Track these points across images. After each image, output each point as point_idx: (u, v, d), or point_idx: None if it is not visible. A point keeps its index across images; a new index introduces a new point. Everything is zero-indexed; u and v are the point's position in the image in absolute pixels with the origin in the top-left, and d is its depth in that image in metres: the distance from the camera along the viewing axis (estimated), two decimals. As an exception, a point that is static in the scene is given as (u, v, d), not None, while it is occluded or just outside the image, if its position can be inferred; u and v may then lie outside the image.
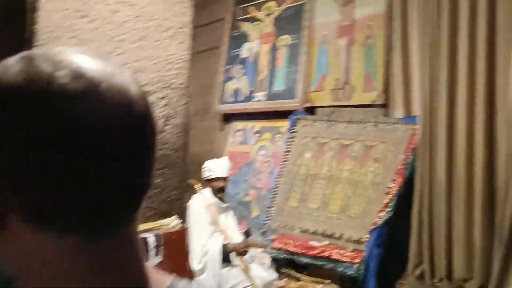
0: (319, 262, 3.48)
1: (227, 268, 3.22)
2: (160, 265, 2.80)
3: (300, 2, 4.52)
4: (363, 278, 3.24)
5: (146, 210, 2.92)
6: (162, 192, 3.07)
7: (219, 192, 3.41)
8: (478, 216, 3.15)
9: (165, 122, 2.92)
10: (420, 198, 3.39)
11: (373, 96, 3.91)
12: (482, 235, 3.13)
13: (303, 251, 3.58)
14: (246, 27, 4.96)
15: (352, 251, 3.39)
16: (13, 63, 0.45)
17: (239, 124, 4.89)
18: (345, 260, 3.36)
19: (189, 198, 3.46)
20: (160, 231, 2.94)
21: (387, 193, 3.43)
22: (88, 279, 0.46)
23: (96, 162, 0.43)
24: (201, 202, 3.35)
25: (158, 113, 2.92)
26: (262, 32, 4.82)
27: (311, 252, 3.53)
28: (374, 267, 3.24)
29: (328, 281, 3.47)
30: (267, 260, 3.75)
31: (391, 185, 3.45)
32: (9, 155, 0.43)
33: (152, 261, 2.77)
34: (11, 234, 0.45)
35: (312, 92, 4.32)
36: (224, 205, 3.48)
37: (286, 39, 4.60)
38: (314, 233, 3.68)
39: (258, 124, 4.73)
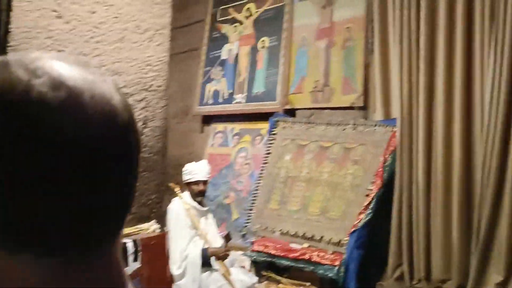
0: (300, 265, 3.48)
1: (207, 272, 3.19)
2: (138, 271, 2.76)
3: (280, 4, 4.52)
4: (343, 280, 3.25)
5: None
6: (140, 196, 3.02)
7: (199, 195, 3.37)
8: (456, 217, 3.19)
9: (143, 125, 2.87)
10: (399, 200, 3.42)
11: (352, 98, 3.93)
12: (460, 236, 3.17)
13: (283, 254, 3.57)
14: (225, 28, 4.94)
15: (332, 254, 3.39)
16: None
17: (218, 126, 4.87)
18: (325, 263, 3.36)
19: (169, 202, 3.42)
20: (138, 236, 2.89)
21: (367, 195, 3.45)
22: None
23: (78, 175, 0.41)
24: (180, 205, 3.31)
25: (137, 116, 2.87)
26: (241, 34, 4.81)
27: (291, 255, 3.53)
28: (354, 269, 3.25)
29: (308, 283, 3.47)
30: (247, 263, 3.73)
31: (370, 187, 3.47)
32: None
33: (131, 267, 2.72)
34: None
35: (292, 94, 4.32)
36: (204, 208, 3.44)
37: (265, 41, 4.59)
38: (294, 235, 3.68)
39: (238, 126, 4.71)
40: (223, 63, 4.90)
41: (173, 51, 3.33)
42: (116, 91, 0.45)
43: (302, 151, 3.98)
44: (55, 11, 2.81)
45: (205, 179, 3.40)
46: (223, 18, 4.98)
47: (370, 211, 3.36)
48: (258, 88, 4.57)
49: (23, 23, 2.69)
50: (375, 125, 3.70)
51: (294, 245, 3.59)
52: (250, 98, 4.61)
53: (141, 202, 3.06)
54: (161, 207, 3.13)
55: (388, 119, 3.66)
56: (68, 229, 0.41)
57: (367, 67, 3.87)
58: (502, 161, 2.98)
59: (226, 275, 3.18)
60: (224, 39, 4.93)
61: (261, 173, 4.11)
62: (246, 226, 3.97)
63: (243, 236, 4.02)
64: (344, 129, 3.84)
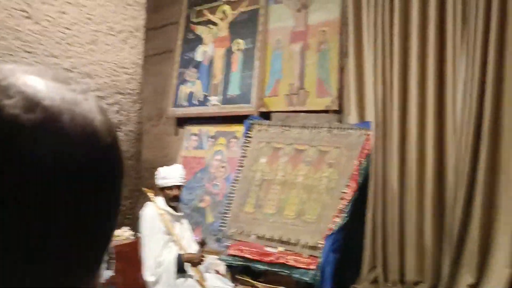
0: (275, 269, 3.47)
1: (182, 279, 3.14)
2: (112, 279, 2.69)
3: (255, 7, 4.50)
4: (319, 284, 3.25)
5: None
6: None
7: (173, 200, 3.31)
8: (429, 220, 3.23)
9: (117, 129, 2.81)
10: (374, 203, 3.44)
11: (327, 101, 3.95)
12: (433, 239, 3.22)
13: (258, 258, 3.55)
14: (200, 30, 4.90)
15: (307, 257, 3.39)
16: None
17: (193, 129, 4.82)
18: (301, 266, 3.36)
19: (142, 207, 3.35)
20: (111, 244, 2.82)
21: (342, 199, 3.46)
22: None
23: (55, 202, 0.37)
24: (154, 210, 3.25)
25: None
26: (216, 36, 4.77)
27: (267, 259, 3.51)
28: (330, 272, 3.26)
29: (284, 287, 3.46)
30: (222, 267, 3.70)
31: (345, 190, 3.49)
32: None
33: (104, 275, 2.65)
34: None
35: (267, 97, 4.31)
36: (179, 213, 3.39)
37: (240, 43, 4.57)
38: (270, 239, 3.67)
39: (213, 129, 4.67)
40: (197, 65, 4.86)
41: (147, 52, 3.27)
42: (99, 111, 0.42)
43: (277, 154, 3.97)
44: (24, 11, 2.72)
45: (179, 183, 3.34)
46: (197, 20, 4.93)
47: (346, 214, 3.37)
48: (233, 90, 4.54)
49: (-10, 24, 2.60)
50: (350, 129, 3.72)
51: (269, 249, 3.58)
52: (225, 101, 4.58)
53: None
54: (134, 212, 3.06)
55: (362, 123, 3.68)
56: (42, 262, 0.37)
57: (341, 70, 3.88)
58: (473, 164, 3.04)
59: (201, 282, 3.14)
60: (198, 41, 4.88)
61: (236, 176, 4.09)
62: (221, 230, 3.94)
63: (218, 240, 3.99)
64: (319, 132, 3.85)
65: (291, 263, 3.40)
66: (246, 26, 4.53)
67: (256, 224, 3.78)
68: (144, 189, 3.46)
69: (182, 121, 4.91)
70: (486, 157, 2.99)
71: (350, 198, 3.42)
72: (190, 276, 3.16)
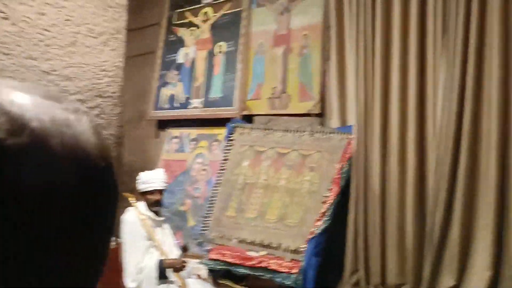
0: (257, 273, 3.46)
1: (164, 285, 3.10)
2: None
3: (237, 10, 4.49)
4: (301, 288, 3.25)
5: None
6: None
7: (155, 205, 3.27)
8: (410, 223, 3.26)
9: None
10: (356, 207, 3.46)
11: (309, 105, 3.95)
12: (414, 241, 3.25)
13: (240, 262, 3.53)
14: (182, 32, 4.86)
15: (289, 261, 3.39)
16: None
17: (174, 132, 4.77)
18: (282, 271, 3.35)
19: (123, 212, 3.30)
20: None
21: (324, 202, 3.46)
22: None
23: (43, 235, 0.34)
24: (135, 216, 3.20)
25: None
26: (198, 38, 4.74)
27: (248, 263, 3.50)
28: (312, 276, 3.26)
29: (266, 292, 3.45)
30: (204, 271, 3.67)
31: (327, 194, 3.49)
32: None
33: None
34: None
35: (249, 100, 4.30)
36: (160, 218, 3.34)
37: (222, 46, 4.55)
38: (251, 243, 3.65)
39: (194, 132, 4.64)
40: (179, 67, 4.82)
41: (128, 54, 3.23)
42: (92, 133, 0.38)
43: (260, 158, 3.96)
44: (1, 11, 2.66)
45: (161, 188, 3.30)
46: (179, 22, 4.89)
47: (328, 218, 3.37)
48: (215, 93, 4.52)
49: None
50: (332, 132, 3.73)
51: (251, 253, 3.56)
52: (207, 103, 4.55)
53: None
54: (116, 218, 3.01)
55: (344, 126, 3.70)
56: None
57: (324, 74, 3.90)
58: (453, 168, 3.07)
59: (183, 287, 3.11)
60: (180, 43, 4.85)
61: (218, 180, 4.06)
62: (202, 233, 3.90)
63: (200, 244, 3.95)
64: (301, 136, 3.85)
65: (273, 267, 3.40)
66: (228, 28, 4.51)
67: (238, 228, 3.77)
68: (125, 194, 3.41)
69: (163, 124, 4.86)
70: (465, 161, 3.03)
71: (332, 201, 3.43)
72: (172, 282, 3.12)
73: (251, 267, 3.47)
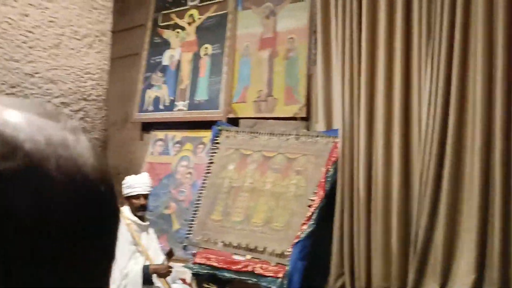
0: (243, 277, 3.44)
1: (149, 290, 3.07)
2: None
3: (223, 12, 4.47)
4: (287, 292, 3.24)
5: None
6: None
7: (140, 210, 3.24)
8: (395, 227, 3.28)
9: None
10: (341, 210, 3.47)
11: (295, 109, 3.96)
12: (399, 246, 3.26)
13: (226, 266, 3.52)
14: (167, 34, 4.82)
15: (275, 265, 3.38)
16: None
17: (159, 134, 4.73)
18: (268, 275, 3.34)
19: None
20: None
21: (309, 206, 3.47)
22: None
23: (38, 264, 0.33)
24: (120, 220, 3.17)
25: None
26: (184, 40, 4.71)
27: (234, 267, 3.48)
28: (298, 280, 3.25)
29: (252, 296, 3.44)
30: (188, 275, 3.64)
31: (313, 198, 3.49)
32: None
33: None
34: None
35: (235, 103, 4.28)
36: (145, 223, 3.31)
37: (208, 48, 4.53)
38: (237, 247, 3.64)
39: (179, 134, 4.60)
40: (164, 69, 4.79)
41: (112, 55, 3.18)
42: (91, 154, 0.36)
43: (245, 161, 3.95)
44: (-18, 12, 2.60)
45: (146, 192, 3.27)
46: (164, 24, 4.86)
47: (313, 222, 3.37)
48: (201, 95, 4.49)
49: None
50: (317, 136, 3.73)
51: (237, 257, 3.55)
52: (192, 106, 4.53)
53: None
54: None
55: (330, 130, 3.70)
56: None
57: (310, 78, 3.90)
58: (438, 172, 3.10)
59: (169, 293, 3.09)
60: (165, 45, 4.81)
61: (203, 183, 4.04)
62: (187, 237, 3.88)
63: (184, 247, 3.92)
64: (287, 139, 3.85)
65: (259, 271, 3.39)
66: (214, 31, 4.49)
67: (224, 232, 3.75)
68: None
69: (148, 126, 4.82)
70: (450, 165, 3.06)
71: (318, 205, 3.43)
72: None
73: (237, 271, 3.46)
